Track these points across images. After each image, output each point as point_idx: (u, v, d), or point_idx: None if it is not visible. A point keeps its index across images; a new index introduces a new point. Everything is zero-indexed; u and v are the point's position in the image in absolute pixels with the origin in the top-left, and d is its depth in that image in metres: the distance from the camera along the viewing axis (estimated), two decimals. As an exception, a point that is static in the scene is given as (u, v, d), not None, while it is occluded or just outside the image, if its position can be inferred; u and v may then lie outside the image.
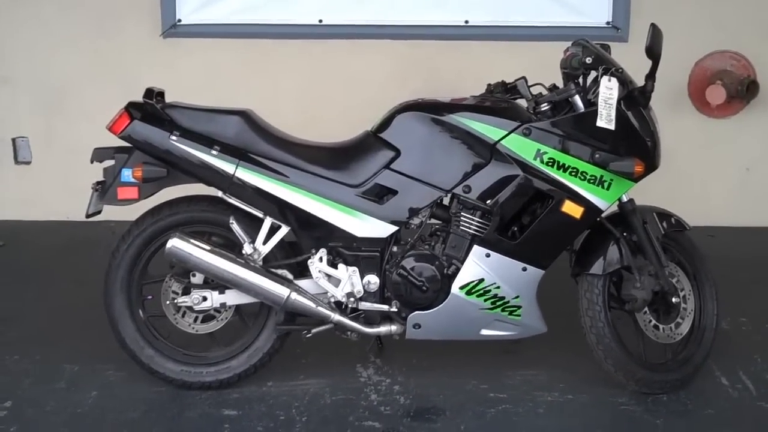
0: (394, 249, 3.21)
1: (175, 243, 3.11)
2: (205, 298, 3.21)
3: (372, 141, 3.22)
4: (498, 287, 3.15)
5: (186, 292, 3.24)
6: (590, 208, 3.13)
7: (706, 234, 5.02)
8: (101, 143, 3.24)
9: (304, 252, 3.23)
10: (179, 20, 5.40)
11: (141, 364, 3.27)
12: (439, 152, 3.15)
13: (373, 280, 3.19)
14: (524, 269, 3.17)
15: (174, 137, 3.09)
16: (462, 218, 3.16)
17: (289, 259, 3.24)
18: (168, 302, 3.28)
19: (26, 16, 5.42)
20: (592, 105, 3.11)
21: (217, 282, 3.19)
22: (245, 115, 3.18)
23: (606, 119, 3.04)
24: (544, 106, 3.19)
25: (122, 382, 3.35)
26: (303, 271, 3.23)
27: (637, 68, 3.17)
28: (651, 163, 3.17)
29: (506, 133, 3.12)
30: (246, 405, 3.20)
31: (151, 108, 3.13)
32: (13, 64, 5.50)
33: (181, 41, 5.44)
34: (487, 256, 3.14)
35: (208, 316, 3.30)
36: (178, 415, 3.14)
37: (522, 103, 3.27)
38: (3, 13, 5.47)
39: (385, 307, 3.20)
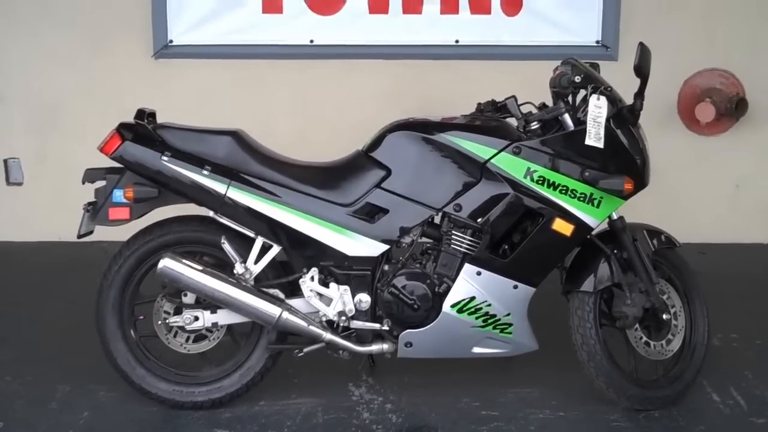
0: (386, 268, 3.21)
1: (166, 263, 3.11)
2: (196, 318, 3.21)
3: (363, 160, 3.23)
4: (489, 305, 3.16)
5: (178, 311, 3.24)
6: (580, 226, 3.14)
7: (697, 251, 5.04)
8: (93, 164, 3.25)
9: (295, 271, 3.23)
10: (171, 41, 5.41)
11: (133, 384, 3.26)
12: (430, 171, 3.16)
13: (365, 298, 3.19)
14: (515, 287, 3.18)
15: (165, 158, 3.10)
16: (453, 237, 3.17)
17: (281, 279, 3.24)
18: (160, 322, 3.27)
19: (19, 35, 5.43)
20: (581, 123, 3.12)
21: (208, 302, 3.19)
22: (236, 136, 3.20)
23: (595, 137, 3.06)
24: (534, 125, 3.21)
25: (114, 402, 3.34)
26: (294, 291, 3.23)
27: (626, 87, 3.19)
28: (641, 181, 3.19)
29: (496, 151, 3.13)
30: (238, 424, 3.19)
31: (142, 129, 3.14)
32: (5, 84, 5.50)
33: (173, 62, 5.45)
34: (478, 274, 3.15)
35: (199, 336, 3.30)
36: (170, 435, 3.14)
37: (512, 121, 3.29)
38: (-4, 33, 5.49)
39: (376, 326, 3.20)
